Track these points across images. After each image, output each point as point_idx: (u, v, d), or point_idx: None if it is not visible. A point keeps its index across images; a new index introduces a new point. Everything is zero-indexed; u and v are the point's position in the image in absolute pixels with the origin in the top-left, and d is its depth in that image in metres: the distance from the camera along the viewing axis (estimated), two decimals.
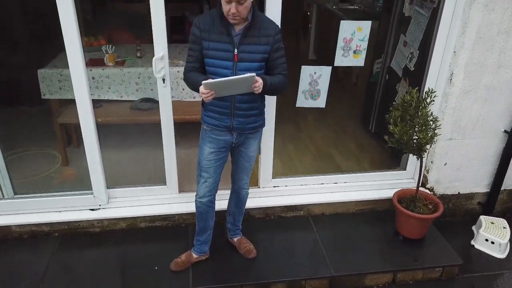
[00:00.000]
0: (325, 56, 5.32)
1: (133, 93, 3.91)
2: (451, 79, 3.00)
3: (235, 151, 2.58)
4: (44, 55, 3.86)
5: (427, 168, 3.39)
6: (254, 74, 2.08)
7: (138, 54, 3.97)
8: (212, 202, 2.65)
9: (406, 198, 3.13)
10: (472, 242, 3.26)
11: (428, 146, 2.85)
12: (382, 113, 3.57)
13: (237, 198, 2.80)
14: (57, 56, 3.83)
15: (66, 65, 2.71)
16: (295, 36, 6.75)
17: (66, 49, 2.61)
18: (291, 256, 2.94)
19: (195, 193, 2.63)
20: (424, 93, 2.77)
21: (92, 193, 3.04)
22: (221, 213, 2.92)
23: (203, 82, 2.09)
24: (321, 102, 3.11)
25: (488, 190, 3.52)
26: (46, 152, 3.99)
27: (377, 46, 4.09)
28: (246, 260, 2.88)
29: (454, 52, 2.93)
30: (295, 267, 2.84)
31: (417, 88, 2.75)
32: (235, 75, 2.21)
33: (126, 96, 3.91)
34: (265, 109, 2.56)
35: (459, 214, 3.60)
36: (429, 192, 3.39)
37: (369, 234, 3.16)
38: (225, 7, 2.09)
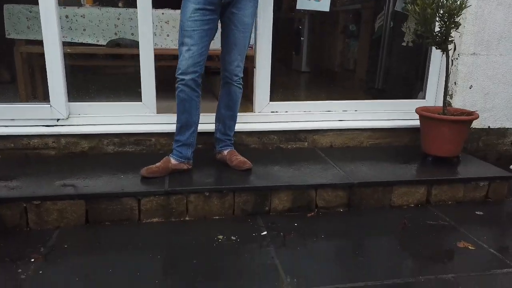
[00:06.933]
0: None
1: (111, 37, 3.48)
2: None
3: (226, 17, 2.11)
4: None
5: (450, 92, 2.90)
6: None
7: None
8: (197, 84, 2.11)
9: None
10: None
11: (452, 34, 2.40)
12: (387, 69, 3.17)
13: (228, 94, 2.26)
14: None
15: (37, 1, 2.33)
16: None
17: None
18: (297, 169, 2.32)
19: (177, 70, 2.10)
20: None
21: (49, 104, 2.47)
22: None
23: None
24: (324, 4, 2.71)
25: None
26: None
27: None
28: (239, 172, 2.25)
29: None
30: (302, 177, 2.22)
31: None
32: None
33: (103, 40, 3.48)
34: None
35: (491, 156, 3.04)
36: None
37: (391, 159, 2.57)
38: None
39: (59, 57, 2.41)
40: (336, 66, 5.23)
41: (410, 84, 3.42)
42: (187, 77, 2.06)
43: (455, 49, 2.78)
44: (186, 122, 2.16)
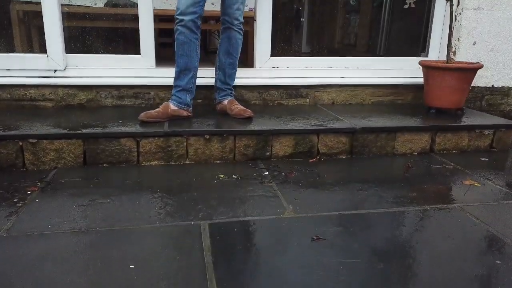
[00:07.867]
0: None
1: (110, 0, 3.44)
2: None
3: None
4: None
5: (454, 49, 2.85)
6: None
7: None
8: (196, 25, 2.06)
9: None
10: None
11: None
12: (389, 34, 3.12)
13: (228, 39, 2.21)
14: None
15: None
16: None
17: None
18: (299, 119, 2.28)
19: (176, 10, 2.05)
20: None
21: (46, 54, 2.42)
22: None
23: None
24: None
25: None
26: None
27: None
28: (240, 120, 2.20)
29: None
30: (304, 124, 2.18)
31: None
32: None
33: (101, 2, 3.43)
34: None
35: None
36: None
37: (394, 112, 2.53)
38: None
39: (56, 6, 2.36)
40: (337, 43, 5.18)
41: (412, 48, 3.37)
42: (186, 18, 2.02)
43: (458, 3, 2.74)
44: (186, 66, 2.11)
